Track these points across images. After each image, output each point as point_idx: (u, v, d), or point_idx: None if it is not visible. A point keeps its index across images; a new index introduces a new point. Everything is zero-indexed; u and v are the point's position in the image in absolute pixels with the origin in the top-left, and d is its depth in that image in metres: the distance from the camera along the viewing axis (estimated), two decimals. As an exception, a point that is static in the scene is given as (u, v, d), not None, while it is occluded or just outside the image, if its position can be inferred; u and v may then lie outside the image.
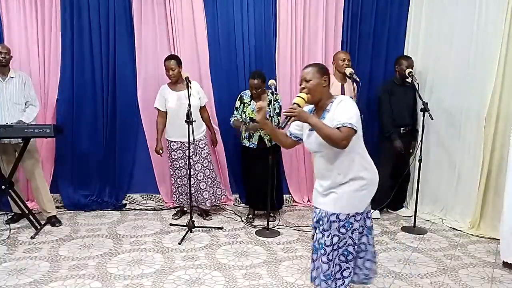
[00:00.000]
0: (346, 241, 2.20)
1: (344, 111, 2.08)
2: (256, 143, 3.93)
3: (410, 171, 4.33)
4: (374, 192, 2.29)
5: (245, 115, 3.90)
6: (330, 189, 2.20)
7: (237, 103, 3.97)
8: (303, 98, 2.13)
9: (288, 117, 2.09)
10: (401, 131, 4.14)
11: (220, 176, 4.44)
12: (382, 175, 4.18)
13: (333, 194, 2.19)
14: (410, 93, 4.14)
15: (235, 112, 3.97)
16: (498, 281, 2.91)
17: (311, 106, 2.28)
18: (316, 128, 2.06)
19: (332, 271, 2.20)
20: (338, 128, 2.03)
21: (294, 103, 2.09)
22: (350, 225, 2.18)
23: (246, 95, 3.95)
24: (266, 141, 3.91)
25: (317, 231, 2.26)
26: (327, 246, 2.18)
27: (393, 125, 4.10)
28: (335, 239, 2.17)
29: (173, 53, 4.23)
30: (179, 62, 3.85)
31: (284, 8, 4.30)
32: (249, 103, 3.92)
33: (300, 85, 2.20)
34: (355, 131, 2.05)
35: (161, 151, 4.07)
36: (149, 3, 4.27)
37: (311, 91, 2.15)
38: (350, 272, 2.23)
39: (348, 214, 2.17)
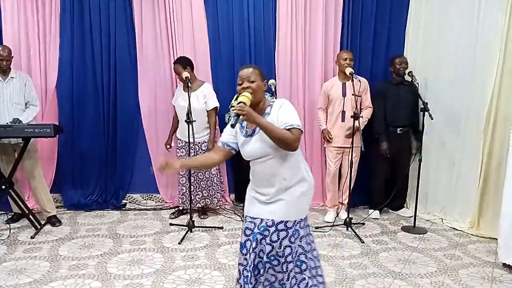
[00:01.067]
0: (297, 250, 2.09)
1: (289, 113, 2.02)
2: None
3: (409, 171, 4.31)
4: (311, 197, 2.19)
5: None
6: (275, 196, 2.07)
7: (233, 101, 4.08)
8: (248, 98, 1.99)
9: (238, 116, 1.92)
10: (398, 132, 4.12)
11: (220, 178, 4.41)
12: (378, 175, 4.24)
13: (280, 201, 2.06)
14: (408, 93, 4.12)
15: (231, 110, 4.08)
16: (498, 281, 2.91)
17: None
18: (267, 130, 1.93)
19: (286, 283, 2.09)
20: (288, 129, 1.95)
21: (240, 102, 1.95)
22: (297, 233, 2.08)
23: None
24: None
25: (256, 243, 2.07)
26: (280, 257, 2.07)
27: (386, 126, 4.10)
28: (288, 250, 2.06)
29: (173, 53, 4.26)
30: (184, 65, 3.85)
31: (284, 8, 4.31)
32: None
33: (240, 84, 2.06)
34: (301, 132, 2.01)
35: (168, 146, 4.13)
36: (149, 3, 4.27)
37: (254, 92, 2.02)
38: (307, 283, 2.10)
39: (295, 221, 2.07)
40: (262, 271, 2.10)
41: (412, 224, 3.93)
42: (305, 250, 2.12)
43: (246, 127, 2.12)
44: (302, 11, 4.31)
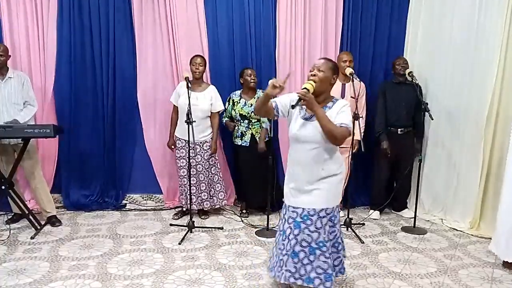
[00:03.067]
0: (336, 233, 2.36)
1: (347, 115, 2.24)
2: (248, 141, 4.06)
3: (411, 171, 4.30)
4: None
5: (235, 112, 4.08)
6: (313, 185, 2.27)
7: (227, 105, 4.14)
8: (312, 86, 2.16)
9: (300, 99, 2.11)
10: (399, 132, 4.12)
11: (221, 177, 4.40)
12: (379, 175, 4.24)
13: (318, 191, 2.26)
14: (410, 93, 4.12)
15: (224, 113, 4.18)
16: (498, 281, 2.91)
17: None
18: (321, 120, 2.12)
19: (331, 263, 2.31)
20: (341, 127, 2.17)
21: (304, 88, 2.13)
22: (336, 217, 2.34)
23: (235, 95, 4.13)
24: (257, 139, 4.06)
25: (299, 231, 2.28)
26: (327, 242, 2.26)
27: (387, 126, 4.10)
28: (332, 235, 2.32)
29: (173, 53, 4.28)
30: (205, 62, 4.02)
31: (284, 9, 4.31)
32: (238, 101, 4.07)
33: (311, 71, 2.24)
34: (350, 134, 2.25)
35: (173, 147, 4.13)
36: (149, 3, 4.28)
37: (320, 81, 2.20)
38: (341, 260, 2.46)
39: (333, 207, 2.32)
40: (305, 259, 2.29)
41: (412, 225, 3.93)
42: (340, 232, 2.41)
43: (307, 110, 2.25)
44: (302, 11, 4.31)
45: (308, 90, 2.13)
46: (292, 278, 2.32)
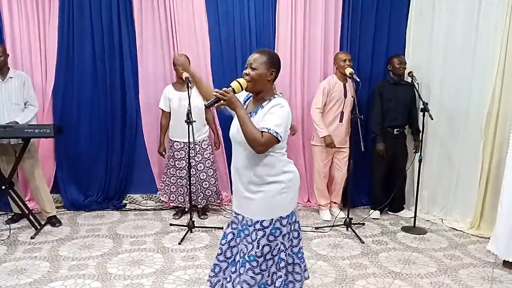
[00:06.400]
0: (279, 248, 2.04)
1: (276, 116, 1.91)
2: None
3: (406, 173, 4.29)
4: (297, 193, 2.11)
5: None
6: (247, 192, 2.03)
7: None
8: (240, 85, 1.95)
9: (216, 99, 1.88)
10: (395, 132, 4.11)
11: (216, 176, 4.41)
12: (375, 175, 4.24)
13: (253, 200, 2.02)
14: (406, 93, 4.11)
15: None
16: (498, 281, 2.91)
17: (247, 93, 2.13)
18: (241, 122, 1.88)
19: (267, 280, 2.05)
20: (262, 132, 1.88)
21: (230, 87, 1.92)
22: (278, 231, 2.02)
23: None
24: None
25: (237, 240, 2.11)
26: (258, 258, 2.00)
27: (383, 127, 4.09)
28: (266, 249, 2.01)
29: (173, 53, 4.27)
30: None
31: (284, 8, 4.30)
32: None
33: (245, 69, 2.00)
34: (278, 141, 1.91)
35: (164, 153, 4.12)
36: (149, 3, 4.27)
37: (252, 81, 1.96)
38: (282, 281, 2.05)
39: (272, 219, 2.00)
40: (241, 269, 2.04)
41: (412, 225, 3.93)
42: (286, 247, 2.08)
43: (247, 108, 2.08)
44: (302, 11, 4.31)
45: (234, 89, 1.91)
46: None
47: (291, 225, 2.10)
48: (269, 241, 2.01)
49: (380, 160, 4.14)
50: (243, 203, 2.08)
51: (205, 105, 1.90)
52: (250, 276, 2.02)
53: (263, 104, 2.01)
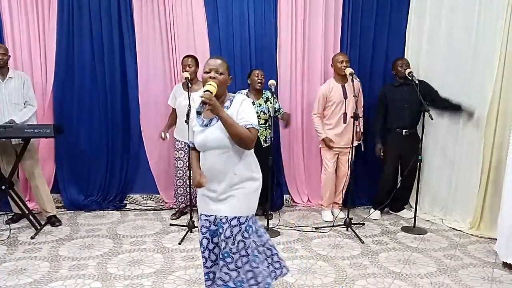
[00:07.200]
0: (251, 245, 2.11)
1: (250, 111, 2.06)
2: None
3: (415, 174, 4.24)
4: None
5: None
6: (225, 192, 2.09)
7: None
8: (215, 88, 1.99)
9: (204, 104, 1.91)
10: (404, 133, 4.09)
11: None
12: (384, 176, 4.23)
13: (232, 198, 2.08)
14: (412, 93, 4.11)
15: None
16: (498, 281, 2.91)
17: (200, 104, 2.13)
18: (227, 124, 1.95)
19: (243, 277, 2.10)
20: (247, 128, 2.00)
21: (207, 90, 1.95)
22: (250, 228, 2.12)
23: (241, 93, 4.04)
24: (262, 142, 3.99)
25: (213, 240, 2.17)
26: (233, 254, 2.07)
27: (388, 129, 4.11)
28: (241, 245, 2.08)
29: (173, 53, 4.28)
30: (196, 62, 3.94)
31: (284, 9, 4.31)
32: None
33: (207, 73, 2.05)
34: (258, 132, 2.07)
35: (162, 135, 3.98)
36: (149, 3, 4.28)
37: (220, 84, 2.03)
38: (263, 275, 2.15)
39: (247, 216, 2.11)
40: (210, 265, 2.19)
41: (412, 225, 3.92)
42: (257, 245, 2.21)
43: (203, 117, 2.12)
44: (302, 11, 4.31)
45: (211, 92, 1.95)
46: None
47: (257, 223, 2.27)
48: (244, 238, 2.09)
49: (391, 161, 4.13)
50: (216, 204, 2.12)
51: (197, 111, 1.92)
52: (225, 273, 2.08)
53: (226, 105, 2.10)
